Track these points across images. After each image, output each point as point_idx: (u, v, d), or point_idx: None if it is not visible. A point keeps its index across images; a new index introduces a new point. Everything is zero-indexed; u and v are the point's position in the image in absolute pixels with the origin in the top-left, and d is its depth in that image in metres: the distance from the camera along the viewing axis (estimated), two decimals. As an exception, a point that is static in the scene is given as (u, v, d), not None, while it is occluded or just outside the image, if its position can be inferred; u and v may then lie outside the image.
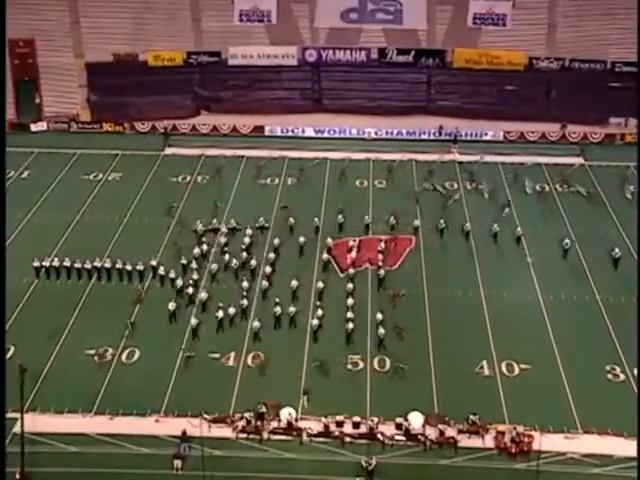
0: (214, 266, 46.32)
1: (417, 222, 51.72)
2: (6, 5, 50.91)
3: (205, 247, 48.20)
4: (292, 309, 42.09)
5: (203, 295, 43.51)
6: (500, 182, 58.23)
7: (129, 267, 45.74)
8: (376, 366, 39.14)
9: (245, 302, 42.69)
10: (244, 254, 47.21)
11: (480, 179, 58.26)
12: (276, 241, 48.77)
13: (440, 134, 65.78)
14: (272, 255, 47.62)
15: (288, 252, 48.48)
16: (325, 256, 47.48)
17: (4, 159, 46.49)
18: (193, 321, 41.35)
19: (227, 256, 47.14)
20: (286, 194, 56.45)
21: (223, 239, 49.15)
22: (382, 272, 45.84)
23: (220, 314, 41.59)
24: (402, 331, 40.98)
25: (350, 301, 42.88)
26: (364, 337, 41.09)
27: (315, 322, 41.18)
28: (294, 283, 44.33)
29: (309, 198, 55.62)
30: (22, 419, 33.21)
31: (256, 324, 40.99)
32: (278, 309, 41.92)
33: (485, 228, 50.94)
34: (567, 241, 48.43)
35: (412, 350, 39.97)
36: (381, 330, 40.54)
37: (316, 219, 51.30)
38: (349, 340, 40.73)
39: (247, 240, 48.72)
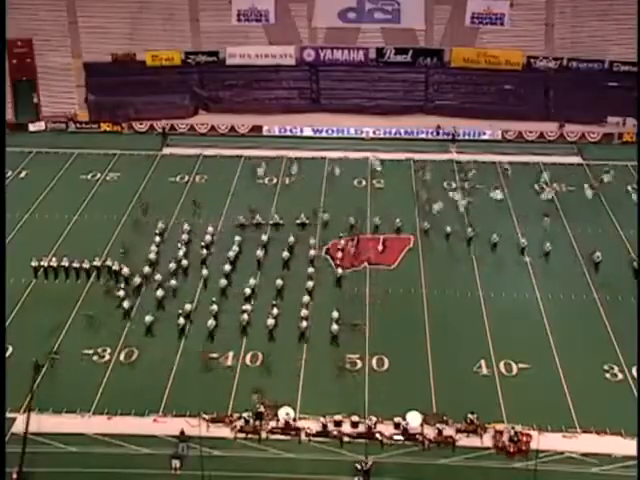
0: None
1: (416, 222, 51.98)
2: (6, 5, 50.89)
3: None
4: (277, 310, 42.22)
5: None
6: (498, 181, 58.24)
7: (126, 269, 45.64)
8: (374, 365, 39.14)
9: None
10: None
11: (478, 178, 58.29)
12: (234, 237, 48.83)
13: (438, 134, 65.86)
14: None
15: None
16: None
17: (4, 159, 46.47)
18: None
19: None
20: (284, 193, 56.52)
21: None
22: (340, 271, 45.97)
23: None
24: (359, 327, 41.30)
25: (306, 298, 43.10)
26: (363, 337, 41.07)
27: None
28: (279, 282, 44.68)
29: (306, 197, 55.58)
30: (28, 418, 33.21)
31: (211, 322, 41.11)
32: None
33: (482, 228, 50.88)
34: (598, 254, 46.95)
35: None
36: (334, 326, 40.76)
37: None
38: (303, 338, 40.87)
39: (208, 238, 49.14)
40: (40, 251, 47.16)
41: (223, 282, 44.75)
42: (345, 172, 59.18)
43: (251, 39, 70.85)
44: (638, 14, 63.25)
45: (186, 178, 58.72)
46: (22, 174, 58.88)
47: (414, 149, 63.33)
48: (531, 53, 69.18)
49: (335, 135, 66.50)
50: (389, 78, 70.67)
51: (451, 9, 70.58)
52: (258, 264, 47.06)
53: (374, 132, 66.44)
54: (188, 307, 42.28)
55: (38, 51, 68.30)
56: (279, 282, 44.57)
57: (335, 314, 41.54)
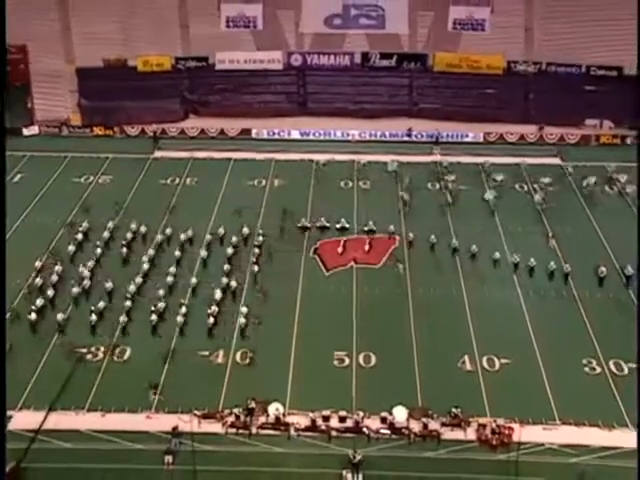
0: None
1: (401, 222, 53.13)
2: (6, 7, 51.37)
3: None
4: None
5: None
6: (480, 182, 59.51)
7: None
8: (361, 362, 40.03)
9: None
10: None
11: (461, 180, 59.55)
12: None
13: (409, 136, 66.89)
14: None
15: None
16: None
17: (4, 161, 46.93)
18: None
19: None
20: (275, 195, 57.43)
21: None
22: (256, 268, 47.08)
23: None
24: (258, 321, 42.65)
25: (218, 295, 44.16)
26: (350, 334, 42.06)
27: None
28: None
29: (296, 199, 56.59)
30: (48, 413, 34.39)
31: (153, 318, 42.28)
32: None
33: (470, 228, 52.13)
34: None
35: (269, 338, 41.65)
36: (242, 320, 42.11)
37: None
38: (210, 334, 41.97)
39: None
40: (34, 254, 48.04)
41: (221, 283, 45.71)
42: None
43: (240, 45, 71.74)
44: (638, 17, 62.83)
45: (177, 180, 59.55)
46: (16, 178, 59.53)
47: (399, 151, 64.30)
48: (511, 58, 70.32)
49: (322, 138, 67.51)
50: (374, 82, 71.83)
51: (434, 15, 71.67)
52: (230, 261, 48.26)
53: (360, 135, 67.51)
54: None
55: (32, 57, 68.63)
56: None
57: (244, 309, 42.90)
